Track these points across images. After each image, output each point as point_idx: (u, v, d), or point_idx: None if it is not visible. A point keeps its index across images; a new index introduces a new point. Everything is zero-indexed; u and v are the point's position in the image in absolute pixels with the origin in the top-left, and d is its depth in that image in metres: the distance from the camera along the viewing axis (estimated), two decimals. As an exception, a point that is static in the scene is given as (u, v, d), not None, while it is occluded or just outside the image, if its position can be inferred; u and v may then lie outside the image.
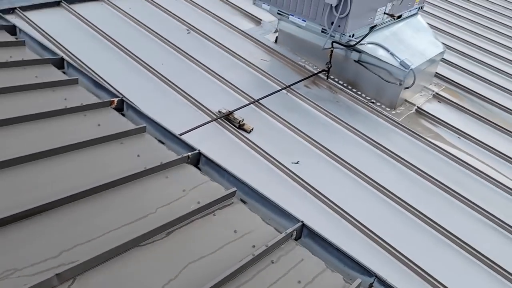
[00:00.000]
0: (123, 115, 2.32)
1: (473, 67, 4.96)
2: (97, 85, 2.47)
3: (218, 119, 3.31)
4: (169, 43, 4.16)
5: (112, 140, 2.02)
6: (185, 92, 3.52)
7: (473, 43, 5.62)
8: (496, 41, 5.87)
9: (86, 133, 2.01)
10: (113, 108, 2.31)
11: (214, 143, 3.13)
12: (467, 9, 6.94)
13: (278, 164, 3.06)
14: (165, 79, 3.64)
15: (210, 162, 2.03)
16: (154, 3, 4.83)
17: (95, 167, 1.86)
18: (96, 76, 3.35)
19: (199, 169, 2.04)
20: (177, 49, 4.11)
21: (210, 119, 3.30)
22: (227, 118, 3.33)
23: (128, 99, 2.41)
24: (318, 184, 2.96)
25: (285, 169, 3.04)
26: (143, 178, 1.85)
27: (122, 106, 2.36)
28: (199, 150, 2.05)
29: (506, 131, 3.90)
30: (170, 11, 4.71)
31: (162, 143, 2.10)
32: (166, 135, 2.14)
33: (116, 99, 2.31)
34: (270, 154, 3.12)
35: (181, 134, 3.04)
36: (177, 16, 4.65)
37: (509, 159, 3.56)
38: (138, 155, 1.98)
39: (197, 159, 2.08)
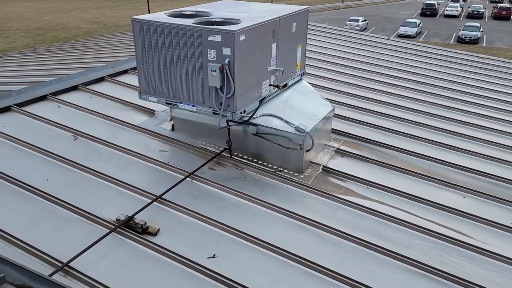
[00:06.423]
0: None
1: (363, 117, 5.27)
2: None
3: (117, 229, 2.96)
4: (53, 155, 3.80)
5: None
6: (74, 207, 3.14)
7: (358, 95, 6.05)
8: (377, 89, 6.41)
9: None
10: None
11: (115, 259, 2.76)
12: (346, 65, 7.61)
13: (192, 264, 2.76)
14: (49, 197, 3.23)
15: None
16: (33, 115, 4.47)
17: None
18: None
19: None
20: (63, 160, 3.75)
21: (107, 231, 2.93)
22: (127, 225, 2.99)
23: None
24: (239, 276, 2.70)
25: (201, 268, 2.74)
26: None
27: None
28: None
29: (407, 171, 4.06)
30: (52, 121, 4.38)
31: (31, 288, 1.72)
32: (34, 279, 1.76)
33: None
34: (181, 254, 2.82)
35: (73, 258, 2.64)
36: (61, 125, 4.33)
37: (417, 198, 3.65)
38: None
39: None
